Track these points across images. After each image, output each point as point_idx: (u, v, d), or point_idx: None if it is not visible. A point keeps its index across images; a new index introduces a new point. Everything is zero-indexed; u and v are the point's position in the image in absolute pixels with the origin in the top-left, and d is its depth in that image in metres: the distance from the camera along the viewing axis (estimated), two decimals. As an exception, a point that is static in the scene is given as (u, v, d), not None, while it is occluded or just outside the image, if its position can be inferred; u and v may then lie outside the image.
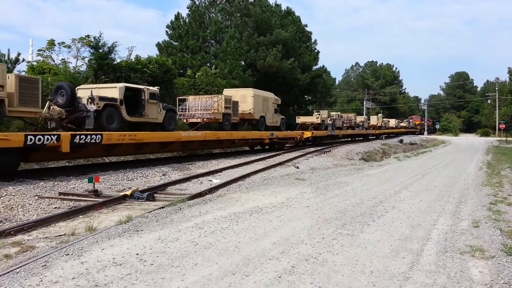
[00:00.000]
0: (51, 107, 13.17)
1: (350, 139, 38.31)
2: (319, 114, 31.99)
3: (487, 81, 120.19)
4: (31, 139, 10.26)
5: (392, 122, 56.55)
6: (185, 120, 19.53)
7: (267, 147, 23.30)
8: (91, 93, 13.15)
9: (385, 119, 54.20)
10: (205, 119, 18.80)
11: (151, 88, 15.71)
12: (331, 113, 35.03)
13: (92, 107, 12.90)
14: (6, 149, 9.88)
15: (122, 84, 14.47)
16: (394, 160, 22.04)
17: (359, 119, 42.56)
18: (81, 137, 11.48)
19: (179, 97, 20.08)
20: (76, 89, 13.86)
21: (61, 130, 12.81)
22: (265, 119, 23.06)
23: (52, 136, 10.83)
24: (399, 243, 5.63)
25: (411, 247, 5.45)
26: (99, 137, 11.95)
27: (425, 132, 76.11)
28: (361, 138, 40.10)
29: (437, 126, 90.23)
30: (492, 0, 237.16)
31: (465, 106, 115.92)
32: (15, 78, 11.09)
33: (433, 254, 5.19)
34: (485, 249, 5.36)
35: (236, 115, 20.54)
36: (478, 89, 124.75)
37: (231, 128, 20.07)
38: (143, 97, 14.91)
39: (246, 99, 21.76)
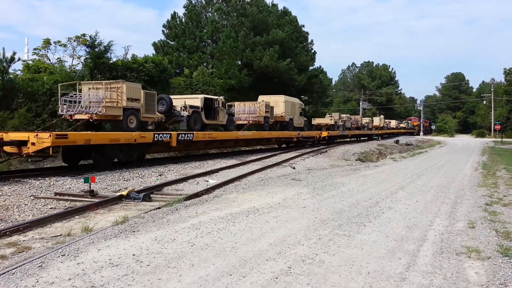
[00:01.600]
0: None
1: (355, 138, 41.14)
2: (332, 116, 35.35)
3: (483, 82, 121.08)
4: (156, 137, 14.33)
5: (393, 123, 59.69)
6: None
7: (292, 144, 26.61)
8: (185, 102, 17.29)
9: (386, 120, 57.05)
10: (250, 121, 22.51)
11: (221, 97, 19.64)
12: (341, 115, 38.34)
13: (185, 113, 16.98)
14: (144, 143, 14.20)
15: (202, 96, 18.72)
16: (390, 161, 22.10)
17: (365, 120, 45.77)
18: (182, 135, 15.66)
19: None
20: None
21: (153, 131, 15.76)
22: (293, 121, 26.85)
23: (167, 135, 14.85)
24: (396, 244, 5.65)
25: (407, 248, 5.47)
26: (191, 135, 16.21)
27: (421, 133, 76.36)
28: (366, 138, 42.61)
29: (433, 127, 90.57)
30: (489, 0, 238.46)
31: (460, 107, 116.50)
32: (144, 93, 14.63)
33: (429, 255, 5.20)
34: (481, 250, 5.38)
35: (272, 118, 24.22)
36: (474, 90, 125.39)
37: (269, 128, 23.81)
38: (216, 105, 18.91)
39: (279, 104, 25.47)
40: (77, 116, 13.86)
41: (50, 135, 10.77)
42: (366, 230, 6.37)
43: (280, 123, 26.06)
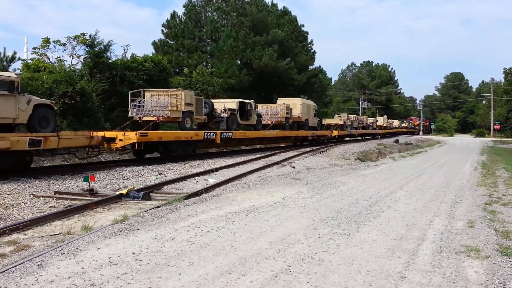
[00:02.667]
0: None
1: (361, 137, 42.57)
2: (340, 117, 38.29)
3: (482, 81, 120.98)
4: (206, 135, 17.24)
5: (396, 123, 62.22)
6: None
7: (306, 142, 29.57)
8: (225, 106, 20.13)
9: (389, 120, 59.74)
10: (273, 122, 24.96)
11: (252, 101, 22.46)
12: (349, 115, 41.07)
13: (224, 115, 19.72)
14: (197, 140, 16.98)
15: (238, 100, 21.46)
16: (390, 160, 22.11)
17: (370, 120, 48.34)
18: (224, 133, 18.57)
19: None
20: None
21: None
22: (308, 121, 29.39)
23: (213, 133, 17.78)
24: (395, 243, 5.65)
25: (406, 247, 5.47)
26: (231, 134, 19.17)
27: (421, 132, 76.40)
28: (370, 137, 44.56)
29: (432, 127, 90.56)
30: (487, 0, 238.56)
31: (460, 107, 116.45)
32: (195, 98, 17.35)
33: (428, 254, 5.21)
34: (481, 249, 5.38)
35: (291, 118, 26.71)
36: (473, 89, 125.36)
37: (288, 128, 26.37)
38: (248, 108, 21.79)
39: (296, 106, 28.05)
40: (145, 118, 16.36)
41: (136, 133, 13.88)
42: (366, 229, 6.37)
43: (297, 123, 28.28)
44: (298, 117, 27.90)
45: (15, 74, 11.84)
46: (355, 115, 44.70)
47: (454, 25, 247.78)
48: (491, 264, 4.82)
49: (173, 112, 16.18)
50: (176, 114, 16.34)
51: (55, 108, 12.89)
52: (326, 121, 37.08)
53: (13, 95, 10.99)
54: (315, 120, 31.04)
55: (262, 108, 25.35)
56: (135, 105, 16.32)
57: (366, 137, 43.19)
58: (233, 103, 20.73)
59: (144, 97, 16.77)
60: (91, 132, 13.64)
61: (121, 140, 13.86)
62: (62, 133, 12.53)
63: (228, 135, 18.74)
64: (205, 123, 18.90)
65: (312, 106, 30.94)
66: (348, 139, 37.89)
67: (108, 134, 14.16)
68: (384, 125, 53.04)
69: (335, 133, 32.85)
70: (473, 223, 6.83)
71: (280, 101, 27.85)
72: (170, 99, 16.23)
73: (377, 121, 50.90)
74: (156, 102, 16.36)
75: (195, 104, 17.24)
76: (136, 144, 13.97)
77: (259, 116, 23.36)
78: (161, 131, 16.56)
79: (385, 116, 57.86)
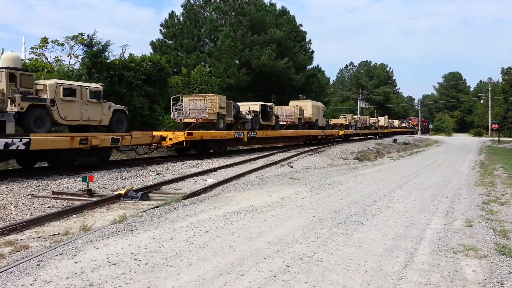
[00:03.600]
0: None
1: (363, 136, 44.27)
2: (345, 117, 41.16)
3: (480, 81, 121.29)
4: (236, 134, 19.74)
5: (396, 122, 65.05)
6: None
7: (315, 141, 31.39)
8: (249, 108, 22.26)
9: (390, 120, 62.61)
10: (288, 122, 27.21)
11: (271, 103, 25.01)
12: (353, 116, 44.10)
13: (249, 117, 21.74)
14: (229, 139, 19.61)
15: (260, 103, 23.62)
16: (388, 160, 22.13)
17: (372, 120, 51.42)
18: (249, 133, 20.85)
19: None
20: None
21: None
22: (318, 121, 31.45)
23: (241, 133, 20.15)
24: (393, 242, 5.66)
25: (405, 246, 5.48)
26: (255, 133, 21.44)
27: (419, 132, 76.53)
28: (372, 136, 46.29)
29: (431, 126, 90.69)
30: (482, 0, 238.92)
31: (458, 106, 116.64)
32: (226, 102, 19.72)
33: (426, 253, 5.22)
34: (478, 248, 5.40)
35: (303, 119, 29.02)
36: (471, 89, 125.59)
37: (301, 128, 28.87)
38: (269, 110, 23.94)
39: (307, 107, 30.17)
40: (185, 120, 18.73)
41: (184, 133, 16.54)
42: (364, 228, 6.38)
43: (308, 123, 30.44)
44: (309, 117, 30.05)
45: (100, 85, 14.31)
46: (359, 116, 47.53)
47: (452, 25, 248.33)
48: (489, 263, 4.83)
49: (210, 115, 18.50)
50: (212, 117, 18.64)
51: (127, 112, 15.15)
52: (332, 121, 39.38)
53: (99, 102, 13.69)
54: (324, 121, 33.48)
55: (277, 109, 27.12)
56: (176, 109, 18.72)
57: (368, 136, 45.05)
58: (256, 106, 22.99)
59: (182, 102, 18.99)
60: (152, 132, 16.75)
61: (170, 139, 16.51)
62: (133, 133, 15.35)
63: (253, 134, 21.14)
64: (232, 124, 21.06)
65: (321, 108, 33.36)
66: (351, 138, 39.67)
67: (163, 133, 16.86)
68: (385, 124, 55.51)
69: (341, 132, 35.49)
70: (471, 223, 6.84)
71: (293, 103, 30.32)
72: (206, 103, 18.59)
73: (379, 121, 53.39)
74: (193, 106, 18.74)
75: (226, 107, 19.62)
76: (184, 142, 16.49)
77: (277, 117, 25.54)
78: (201, 131, 18.70)
79: (386, 116, 60.44)
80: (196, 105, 18.69)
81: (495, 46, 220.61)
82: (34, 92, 12.02)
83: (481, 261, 4.94)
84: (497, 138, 54.30)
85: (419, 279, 4.32)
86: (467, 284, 4.25)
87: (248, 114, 21.90)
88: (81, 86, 13.55)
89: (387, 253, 5.18)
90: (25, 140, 10.81)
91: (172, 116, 19.27)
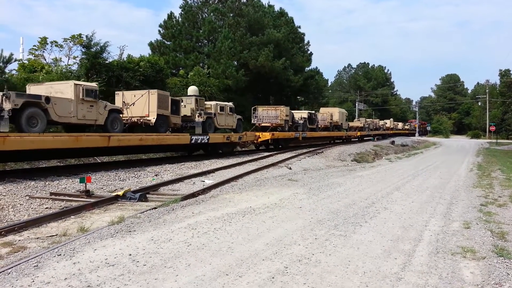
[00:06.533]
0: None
1: (372, 137, 48.42)
2: (360, 120, 48.62)
3: (478, 83, 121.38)
4: (295, 134, 26.70)
5: (400, 125, 72.08)
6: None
7: (339, 140, 37.82)
8: (301, 115, 29.64)
9: (395, 122, 69.86)
10: (323, 125, 34.00)
11: (314, 111, 33.61)
12: (366, 119, 51.76)
13: (301, 122, 28.57)
14: (291, 138, 26.28)
15: (307, 111, 31.21)
16: (386, 162, 22.16)
17: (381, 122, 58.20)
18: (303, 134, 27.94)
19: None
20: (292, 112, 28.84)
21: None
22: (342, 125, 38.09)
23: (298, 133, 27.17)
24: (391, 244, 5.67)
25: (403, 248, 5.49)
26: (306, 134, 28.62)
27: (417, 134, 76.71)
28: (380, 137, 51.02)
29: (428, 128, 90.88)
30: (482, 3, 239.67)
31: (456, 108, 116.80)
32: (290, 112, 26.78)
33: (425, 255, 5.23)
34: (476, 250, 5.41)
35: (332, 123, 35.79)
36: (469, 91, 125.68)
37: (332, 130, 35.97)
38: (314, 116, 31.27)
39: (335, 113, 37.08)
40: (262, 124, 25.39)
41: (270, 134, 23.61)
42: (362, 230, 6.39)
43: (335, 126, 36.92)
44: (336, 121, 36.85)
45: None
46: (371, 119, 56.26)
47: (450, 27, 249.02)
48: (487, 265, 4.84)
49: (280, 120, 25.35)
50: (281, 122, 25.47)
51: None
52: (350, 124, 44.79)
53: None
54: (346, 124, 40.38)
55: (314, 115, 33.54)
56: (255, 116, 25.76)
57: (377, 137, 50.49)
58: (305, 113, 30.42)
59: (257, 111, 25.79)
60: (255, 133, 23.81)
61: (259, 137, 23.50)
62: (247, 133, 22.87)
63: (304, 134, 28.40)
64: (290, 127, 27.05)
65: (344, 113, 40.56)
66: (368, 138, 46.04)
67: (259, 134, 23.71)
68: (391, 126, 62.81)
69: (358, 133, 42.70)
70: (469, 224, 6.85)
71: (324, 110, 37.85)
72: (277, 112, 25.35)
73: (386, 123, 61.05)
74: (266, 114, 25.42)
75: (289, 115, 26.48)
76: (270, 140, 23.77)
77: (317, 121, 32.41)
78: (277, 132, 24.94)
79: (391, 119, 68.29)
80: (269, 114, 25.42)
81: (492, 48, 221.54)
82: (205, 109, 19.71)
83: (479, 263, 4.95)
84: (494, 140, 54.49)
85: (417, 281, 4.33)
86: (465, 286, 4.25)
87: (300, 120, 28.70)
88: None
89: (385, 255, 5.18)
90: (207, 137, 18.37)
91: (252, 121, 25.87)
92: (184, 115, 18.10)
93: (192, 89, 20.84)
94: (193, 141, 17.44)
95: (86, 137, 12.85)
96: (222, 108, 20.73)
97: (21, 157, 13.69)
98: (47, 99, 12.09)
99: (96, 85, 14.02)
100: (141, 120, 16.13)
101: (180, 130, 18.32)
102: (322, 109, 37.18)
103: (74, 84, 13.16)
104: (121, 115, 15.10)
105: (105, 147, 13.72)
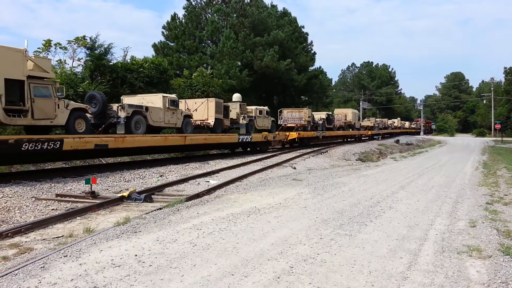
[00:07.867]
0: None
1: (380, 135, 50.69)
2: (370, 120, 51.81)
3: (482, 81, 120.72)
4: (317, 134, 30.13)
5: (407, 124, 73.65)
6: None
7: (351, 139, 40.70)
8: (320, 117, 32.45)
9: (402, 121, 71.61)
10: (338, 125, 36.78)
11: (331, 113, 36.44)
12: (376, 119, 55.11)
13: (320, 122, 31.53)
14: (314, 136, 30.01)
15: (325, 113, 34.98)
16: (391, 161, 22.09)
17: (389, 122, 60.84)
18: (322, 133, 30.92)
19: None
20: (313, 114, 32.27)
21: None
22: (355, 124, 41.10)
23: (318, 133, 30.16)
24: (397, 243, 5.66)
25: (408, 247, 5.48)
26: (325, 133, 31.80)
27: (422, 132, 76.49)
28: (388, 135, 53.73)
29: (433, 127, 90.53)
30: (483, 0, 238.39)
31: (460, 106, 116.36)
32: (311, 113, 30.49)
33: (430, 254, 5.21)
34: (482, 249, 5.38)
35: (346, 122, 38.99)
36: (474, 89, 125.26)
37: (346, 129, 39.32)
38: (331, 117, 34.47)
39: (349, 114, 40.01)
40: (288, 125, 28.35)
41: (296, 133, 26.65)
42: (367, 229, 6.38)
43: (349, 126, 39.81)
44: (350, 121, 39.65)
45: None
46: (380, 119, 60.04)
47: (453, 25, 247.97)
48: (493, 264, 4.82)
49: (304, 121, 28.23)
50: (305, 123, 28.35)
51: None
52: (362, 123, 47.49)
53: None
54: (359, 124, 43.41)
55: (331, 115, 36.24)
56: (281, 117, 28.90)
57: (385, 135, 53.26)
58: (323, 114, 33.63)
59: (282, 113, 29.15)
60: (286, 133, 26.56)
61: (287, 136, 26.26)
62: (279, 132, 25.74)
63: (324, 134, 31.16)
64: (311, 127, 29.71)
65: (357, 114, 44.11)
66: (377, 136, 48.01)
67: (288, 133, 26.56)
68: (399, 125, 64.81)
69: (369, 132, 45.29)
70: (475, 223, 6.83)
71: (338, 111, 40.49)
72: (301, 114, 28.36)
73: (394, 122, 63.79)
74: (290, 116, 28.62)
75: (311, 116, 29.40)
76: (296, 138, 26.74)
77: (333, 121, 35.38)
78: (302, 131, 27.89)
79: (398, 118, 70.46)
80: (293, 115, 28.55)
81: (497, 46, 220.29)
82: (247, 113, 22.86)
83: (485, 261, 4.93)
84: (500, 138, 54.18)
85: (423, 280, 4.32)
86: (471, 284, 4.24)
87: (319, 120, 31.67)
88: None
89: (391, 254, 5.17)
90: (250, 137, 21.31)
91: (279, 122, 28.74)
92: (231, 118, 21.35)
93: (236, 96, 23.44)
94: (240, 140, 20.55)
95: (172, 137, 16.40)
96: (260, 112, 24.24)
97: (128, 153, 17.09)
98: (147, 108, 15.37)
99: (175, 96, 17.27)
100: (204, 123, 19.48)
101: (227, 131, 20.99)
102: (336, 110, 40.60)
103: (163, 96, 16.40)
104: (191, 119, 18.11)
105: (181, 144, 17.01)
